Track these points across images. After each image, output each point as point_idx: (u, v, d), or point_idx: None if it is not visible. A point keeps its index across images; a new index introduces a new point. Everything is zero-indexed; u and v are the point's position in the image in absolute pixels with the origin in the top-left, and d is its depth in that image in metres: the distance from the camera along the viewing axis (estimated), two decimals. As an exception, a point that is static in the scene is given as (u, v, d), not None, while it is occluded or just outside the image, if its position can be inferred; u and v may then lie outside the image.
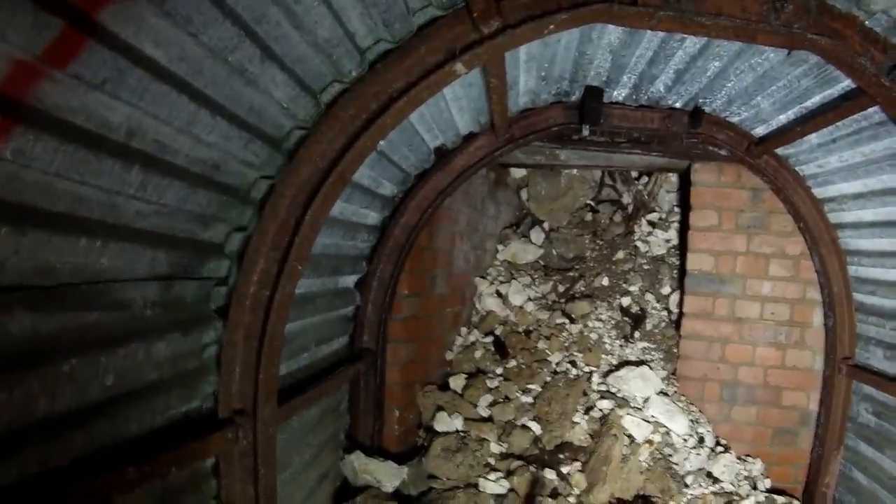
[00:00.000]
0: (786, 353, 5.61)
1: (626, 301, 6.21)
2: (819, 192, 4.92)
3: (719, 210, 5.58)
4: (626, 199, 6.61)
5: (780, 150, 4.83)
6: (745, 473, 5.37)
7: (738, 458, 5.51)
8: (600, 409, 5.29)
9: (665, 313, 6.19)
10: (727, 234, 5.58)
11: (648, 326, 6.09)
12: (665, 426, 5.21)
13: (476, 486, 4.99)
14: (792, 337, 5.58)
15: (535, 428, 5.33)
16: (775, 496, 5.29)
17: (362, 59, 3.05)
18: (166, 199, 2.47)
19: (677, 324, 5.99)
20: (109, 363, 2.39)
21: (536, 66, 3.96)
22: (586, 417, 5.27)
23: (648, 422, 5.15)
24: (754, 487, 5.31)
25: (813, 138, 4.30)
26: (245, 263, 3.11)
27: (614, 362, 5.65)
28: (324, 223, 3.45)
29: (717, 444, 5.59)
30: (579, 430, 5.18)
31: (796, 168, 4.93)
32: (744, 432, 5.72)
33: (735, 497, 5.08)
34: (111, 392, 2.43)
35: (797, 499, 5.44)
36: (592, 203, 6.73)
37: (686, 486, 4.99)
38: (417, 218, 5.24)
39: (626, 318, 6.12)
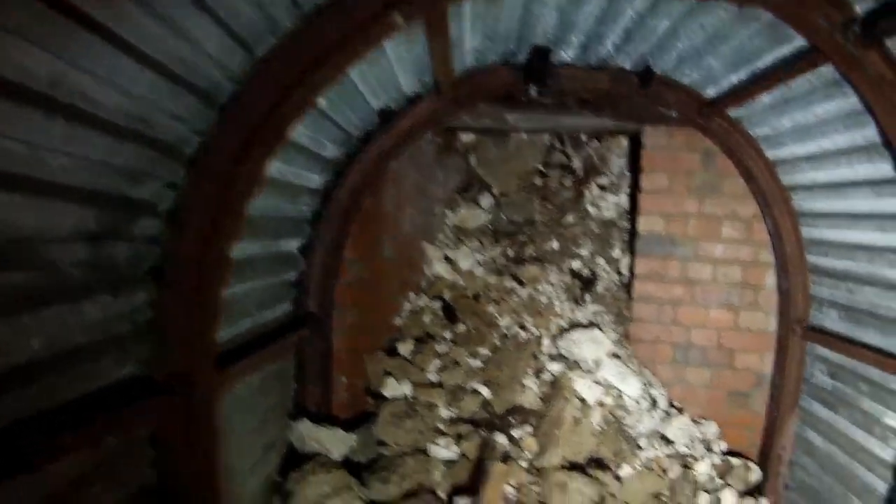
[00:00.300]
0: (739, 315, 5.61)
1: (576, 264, 6.17)
2: (772, 154, 4.89)
3: (670, 173, 5.52)
4: (577, 163, 6.57)
5: (731, 112, 4.79)
6: (700, 436, 5.35)
7: (693, 420, 5.49)
8: (551, 373, 5.25)
9: (616, 276, 6.17)
10: (678, 196, 5.54)
11: (599, 289, 6.06)
12: (617, 388, 5.19)
13: (426, 451, 4.95)
14: (745, 299, 5.58)
15: (485, 392, 5.27)
16: (730, 458, 5.30)
17: (298, 12, 2.94)
18: (92, 154, 2.36)
19: (628, 287, 5.96)
20: (35, 325, 2.29)
21: (482, 25, 3.87)
22: (537, 381, 5.23)
23: (600, 384, 5.11)
24: (709, 450, 5.28)
25: (765, 99, 4.27)
26: (178, 222, 2.99)
27: (565, 325, 5.62)
28: (264, 185, 3.36)
29: (671, 406, 5.57)
30: (530, 394, 5.15)
31: (748, 130, 4.88)
32: (698, 395, 5.72)
33: (690, 459, 5.06)
34: (38, 356, 2.31)
35: (753, 461, 5.44)
36: (542, 167, 6.69)
37: (639, 448, 4.97)
38: (362, 181, 5.16)
39: (576, 282, 6.09)
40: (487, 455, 4.71)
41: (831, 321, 4.89)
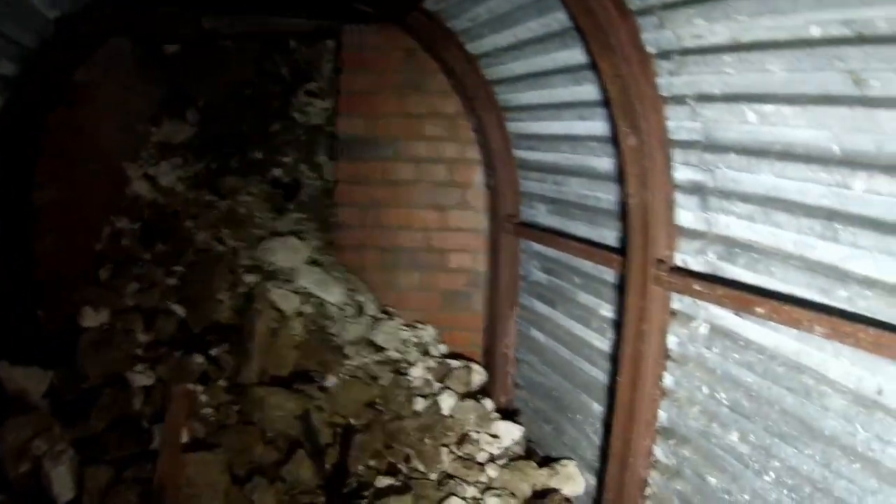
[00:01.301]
0: (448, 214, 5.53)
1: (278, 173, 5.95)
2: (472, 48, 4.72)
3: (372, 73, 5.35)
4: (285, 70, 6.29)
5: (429, 5, 4.60)
6: (416, 340, 5.29)
7: (408, 325, 5.42)
8: (247, 284, 5.02)
9: (320, 182, 6.00)
10: (380, 97, 5.38)
11: (304, 197, 5.88)
12: (318, 297, 5.03)
13: (125, 380, 4.63)
14: (453, 198, 5.50)
15: (181, 311, 4.98)
16: (450, 360, 5.27)
17: None
18: None
19: (332, 192, 5.79)
20: None
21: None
22: (233, 295, 5.00)
23: (299, 293, 4.94)
24: (426, 353, 5.27)
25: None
26: None
27: (265, 235, 5.39)
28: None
29: (384, 312, 5.47)
30: (225, 309, 4.90)
31: (447, 24, 4.70)
32: (412, 299, 5.63)
33: (403, 364, 5.02)
34: None
35: (477, 362, 5.49)
36: (254, 77, 6.35)
37: (346, 357, 4.87)
38: (47, 96, 4.65)
39: (278, 191, 5.87)
40: (184, 377, 4.44)
41: (542, 216, 4.84)
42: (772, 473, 2.78)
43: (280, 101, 6.23)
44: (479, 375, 5.28)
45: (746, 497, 2.92)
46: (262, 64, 6.32)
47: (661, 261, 3.25)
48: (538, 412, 5.04)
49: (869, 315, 2.26)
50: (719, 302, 2.92)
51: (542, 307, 4.95)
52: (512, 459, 4.59)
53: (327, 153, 6.03)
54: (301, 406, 4.43)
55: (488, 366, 5.47)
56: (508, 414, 5.11)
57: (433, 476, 4.33)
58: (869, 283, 2.28)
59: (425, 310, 5.64)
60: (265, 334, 4.60)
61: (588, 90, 3.66)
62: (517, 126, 4.86)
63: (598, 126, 3.70)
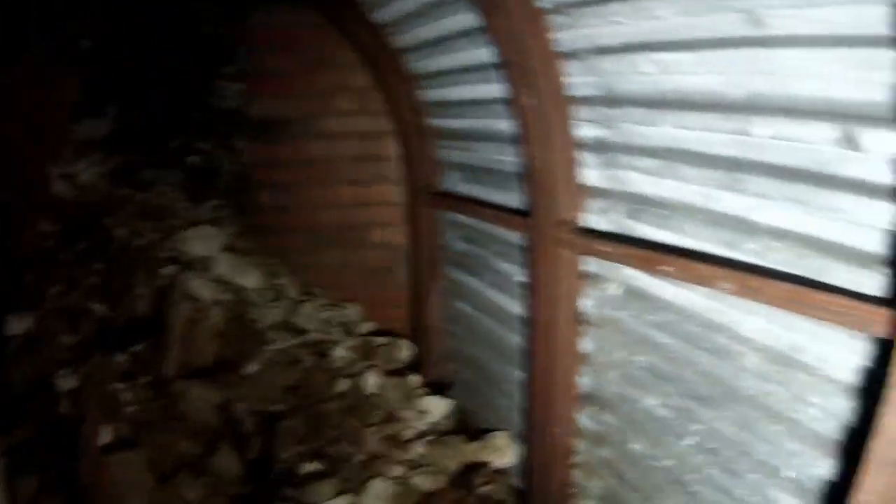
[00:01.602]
0: (365, 189, 5.39)
1: (196, 160, 5.71)
2: (377, 17, 4.53)
3: (283, 52, 5.21)
4: (201, 56, 5.99)
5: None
6: (340, 319, 5.15)
7: (332, 305, 5.26)
8: (165, 277, 4.80)
9: (238, 167, 5.76)
10: (291, 75, 5.23)
11: (221, 183, 5.65)
12: (236, 283, 4.84)
13: (52, 384, 4.38)
14: (369, 172, 5.35)
15: (103, 309, 4.75)
16: (376, 338, 5.13)
17: None
18: None
19: (249, 176, 5.58)
20: None
21: None
22: (150, 288, 4.76)
23: (216, 282, 4.74)
24: (349, 333, 5.11)
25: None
26: None
27: (182, 225, 5.15)
28: None
29: (307, 293, 5.29)
30: (146, 304, 4.68)
31: (351, -7, 4.53)
32: (335, 278, 5.49)
33: (327, 345, 4.86)
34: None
35: (405, 337, 5.35)
36: (169, 66, 6.05)
37: (267, 342, 4.67)
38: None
39: (196, 179, 5.63)
40: (106, 377, 4.22)
41: (458, 184, 4.72)
42: (694, 437, 2.70)
43: (197, 88, 5.95)
44: (406, 351, 5.15)
45: (671, 462, 2.85)
46: (178, 52, 6.01)
47: (566, 222, 3.15)
48: (468, 384, 4.93)
49: (781, 269, 2.17)
50: (629, 262, 2.83)
51: (464, 277, 4.83)
52: (440, 435, 4.47)
53: (244, 137, 5.78)
54: (223, 396, 4.28)
55: (416, 340, 5.35)
56: (439, 388, 4.97)
57: (359, 458, 4.19)
58: (778, 234, 2.19)
59: (349, 288, 5.50)
60: (184, 326, 4.40)
61: (487, 52, 3.53)
62: (427, 94, 4.71)
63: (499, 88, 3.57)
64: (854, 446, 1.96)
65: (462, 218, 4.70)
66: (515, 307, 4.07)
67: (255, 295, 4.89)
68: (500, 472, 4.22)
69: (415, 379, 4.88)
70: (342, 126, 5.27)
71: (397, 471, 4.09)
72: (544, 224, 3.28)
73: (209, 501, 3.83)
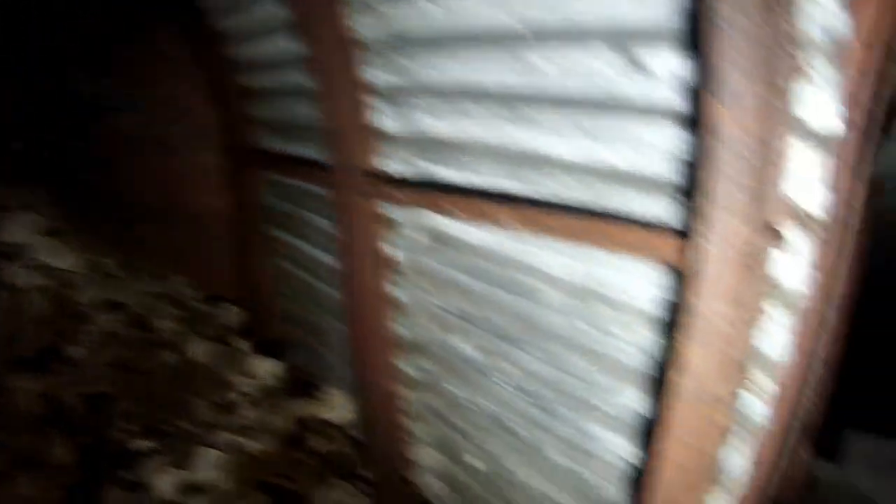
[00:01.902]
0: (183, 158, 5.14)
1: (18, 146, 5.33)
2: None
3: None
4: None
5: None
6: (165, 291, 4.99)
7: (156, 277, 5.10)
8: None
9: (59, 150, 5.41)
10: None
11: (42, 167, 5.30)
12: (56, 267, 4.58)
13: None
14: (185, 139, 5.09)
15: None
16: (203, 306, 5.06)
17: None
18: None
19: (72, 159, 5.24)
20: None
21: None
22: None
23: (37, 267, 4.47)
24: (175, 304, 4.94)
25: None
26: None
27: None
28: None
29: (130, 269, 5.08)
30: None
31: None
32: (158, 250, 5.28)
33: (151, 318, 4.69)
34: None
35: (234, 303, 5.20)
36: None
37: (89, 322, 4.45)
38: None
39: (16, 164, 5.26)
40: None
41: (272, 142, 4.52)
42: (509, 378, 2.72)
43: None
44: (236, 316, 5.02)
45: (491, 404, 2.87)
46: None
47: (361, 170, 3.09)
48: (301, 344, 4.85)
49: (576, 202, 2.17)
50: (426, 206, 2.80)
51: (287, 237, 4.69)
52: (271, 397, 4.40)
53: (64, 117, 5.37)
54: (50, 384, 4.09)
55: (246, 305, 5.18)
56: (273, 350, 4.87)
57: (188, 428, 4.08)
58: (568, 167, 2.17)
59: (175, 258, 5.30)
60: (3, 317, 4.08)
61: (279, 9, 3.41)
62: (233, 52, 4.48)
63: (294, 43, 3.47)
64: (664, 379, 2.00)
65: (278, 177, 4.54)
66: (329, 260, 4.01)
67: (77, 277, 4.64)
68: (338, 428, 4.21)
69: (244, 343, 4.77)
70: (156, 96, 5.01)
71: (227, 437, 4.01)
72: (341, 174, 3.23)
73: (46, 496, 3.65)
